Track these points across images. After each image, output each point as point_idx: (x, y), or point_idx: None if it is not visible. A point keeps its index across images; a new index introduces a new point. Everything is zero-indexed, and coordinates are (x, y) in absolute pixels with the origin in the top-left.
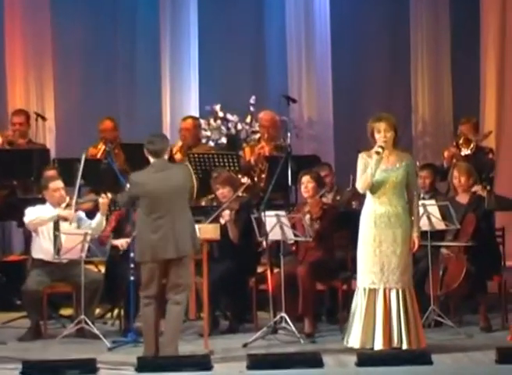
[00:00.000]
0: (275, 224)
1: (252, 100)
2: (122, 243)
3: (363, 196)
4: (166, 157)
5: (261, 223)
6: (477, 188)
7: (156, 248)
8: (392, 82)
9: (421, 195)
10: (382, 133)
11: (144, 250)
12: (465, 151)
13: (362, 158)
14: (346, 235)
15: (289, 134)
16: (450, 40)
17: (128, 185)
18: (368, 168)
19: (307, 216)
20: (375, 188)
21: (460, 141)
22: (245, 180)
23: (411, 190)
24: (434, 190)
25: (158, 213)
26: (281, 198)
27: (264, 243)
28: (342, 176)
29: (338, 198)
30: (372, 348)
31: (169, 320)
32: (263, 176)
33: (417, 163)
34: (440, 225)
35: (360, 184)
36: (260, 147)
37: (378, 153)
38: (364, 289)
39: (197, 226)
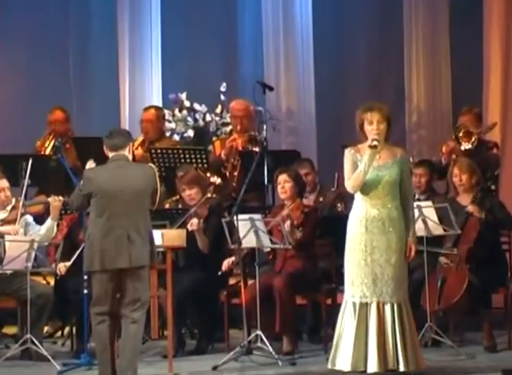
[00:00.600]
0: (249, 229)
1: (223, 87)
2: (60, 267)
3: (350, 198)
4: (128, 154)
5: (233, 228)
6: (472, 209)
7: (106, 255)
8: (382, 67)
9: (416, 196)
10: (374, 124)
11: (93, 258)
12: (466, 146)
13: (350, 153)
14: (330, 242)
15: (264, 127)
16: (449, 17)
17: (81, 182)
18: (361, 164)
19: (288, 222)
20: (365, 188)
21: (460, 134)
22: (215, 179)
23: (405, 189)
24: (431, 190)
25: (111, 215)
26: (256, 200)
27: (236, 251)
28: (325, 175)
29: (321, 199)
30: (365, 371)
31: (126, 340)
32: (235, 173)
33: (412, 159)
34: (438, 230)
35: (351, 184)
36: (232, 139)
37: (373, 147)
38: (354, 303)
39: (160, 232)
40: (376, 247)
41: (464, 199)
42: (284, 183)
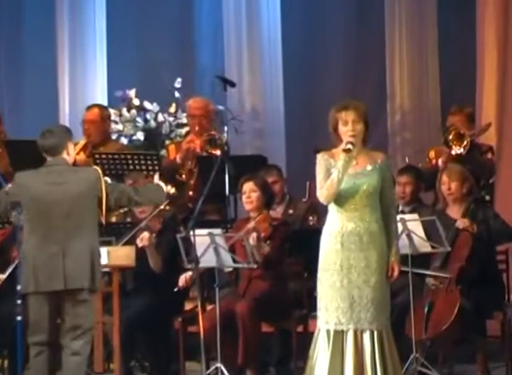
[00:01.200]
0: (207, 246)
1: (177, 83)
2: None
3: (323, 210)
4: (68, 156)
5: (189, 245)
6: (463, 222)
7: (40, 275)
8: (360, 60)
9: (400, 207)
10: (349, 125)
11: (27, 278)
12: (457, 150)
13: (323, 159)
14: (300, 261)
15: (226, 128)
16: (437, 3)
17: (8, 186)
18: (334, 171)
19: (254, 235)
20: (340, 199)
21: (450, 137)
22: (169, 188)
23: (387, 200)
24: (417, 200)
25: (46, 229)
26: (216, 212)
27: (193, 271)
28: (295, 183)
29: (291, 211)
30: None
31: (67, 374)
32: (192, 181)
33: (394, 166)
34: (425, 247)
35: (324, 194)
36: (189, 140)
37: (347, 151)
38: (328, 331)
39: (105, 249)
40: (353, 266)
41: (455, 211)
42: (250, 193)
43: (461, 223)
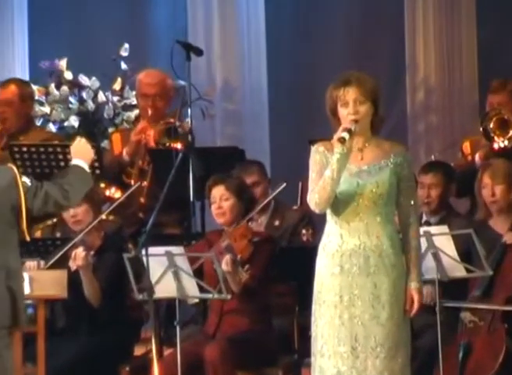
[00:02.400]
0: (165, 270)
1: (124, 51)
2: None
3: (320, 220)
4: None
5: (140, 268)
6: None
7: None
8: (370, 22)
9: (424, 218)
10: (350, 106)
11: None
12: (500, 142)
13: (317, 152)
14: (291, 289)
15: (189, 112)
16: None
17: None
18: (327, 169)
19: (227, 258)
20: (340, 205)
21: (491, 125)
22: (112, 192)
23: (405, 207)
24: (446, 208)
25: None
26: (176, 224)
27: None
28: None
29: (277, 223)
30: None
31: None
32: (144, 183)
33: (415, 162)
34: (458, 270)
35: (315, 199)
36: (139, 129)
37: (342, 141)
38: None
39: (26, 275)
40: (357, 296)
41: (500, 223)
42: (221, 201)
43: (510, 239)
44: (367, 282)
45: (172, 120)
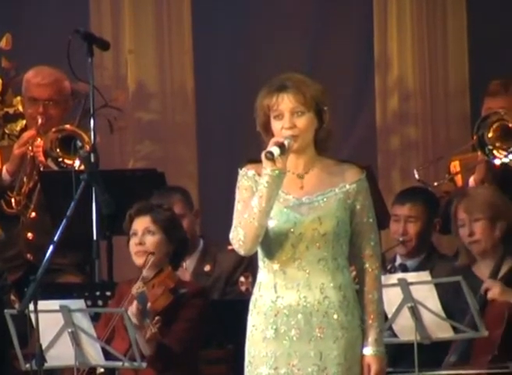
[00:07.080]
0: (61, 330)
1: (5, 44)
2: None
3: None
4: None
5: (27, 328)
6: (493, 289)
7: None
8: (329, 7)
9: (398, 261)
10: (286, 118)
11: None
12: (502, 158)
13: (246, 177)
14: (225, 354)
15: (92, 122)
16: None
17: None
18: (254, 198)
19: (131, 308)
20: (272, 248)
21: (490, 134)
22: None
23: (361, 248)
24: (428, 248)
25: None
26: (75, 270)
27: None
28: (215, 219)
29: (207, 268)
30: None
31: None
32: (31, 213)
33: (386, 188)
34: (444, 330)
35: (241, 236)
36: (25, 139)
37: (269, 157)
38: None
39: None
40: (298, 369)
41: (484, 268)
42: (143, 236)
43: (490, 288)
44: (309, 350)
45: (68, 127)
